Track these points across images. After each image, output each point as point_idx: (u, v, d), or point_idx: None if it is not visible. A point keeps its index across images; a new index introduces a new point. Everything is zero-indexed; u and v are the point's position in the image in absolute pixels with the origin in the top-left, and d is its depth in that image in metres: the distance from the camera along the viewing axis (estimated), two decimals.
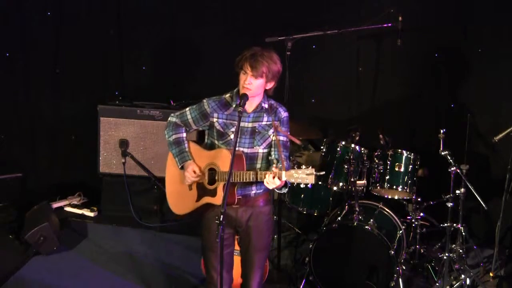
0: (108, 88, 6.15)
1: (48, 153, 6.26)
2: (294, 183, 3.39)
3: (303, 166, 3.35)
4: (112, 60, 6.11)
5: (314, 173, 3.31)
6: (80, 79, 6.13)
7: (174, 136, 3.75)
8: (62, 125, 6.20)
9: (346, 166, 4.85)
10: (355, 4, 5.59)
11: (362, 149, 4.94)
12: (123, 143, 5.63)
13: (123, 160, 5.61)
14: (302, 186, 3.32)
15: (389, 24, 5.02)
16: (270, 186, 3.42)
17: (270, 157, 3.69)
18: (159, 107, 5.68)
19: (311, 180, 3.32)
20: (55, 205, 5.83)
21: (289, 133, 3.71)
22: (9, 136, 6.23)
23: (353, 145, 4.92)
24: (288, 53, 4.76)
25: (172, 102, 5.76)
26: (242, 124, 3.59)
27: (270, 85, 3.61)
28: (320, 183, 5.01)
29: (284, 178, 3.36)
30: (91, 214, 5.80)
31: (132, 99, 5.81)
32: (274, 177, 3.37)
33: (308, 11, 5.64)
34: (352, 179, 4.80)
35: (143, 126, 5.64)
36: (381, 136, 4.98)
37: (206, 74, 5.88)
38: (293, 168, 3.45)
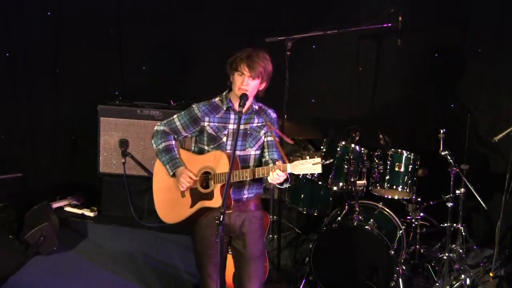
0: (108, 88, 6.15)
1: (48, 153, 6.27)
2: (300, 175, 3.35)
3: (308, 157, 3.31)
4: (112, 60, 6.11)
5: (321, 161, 3.27)
6: (80, 79, 6.14)
7: (163, 144, 3.67)
8: (62, 125, 6.22)
9: (346, 166, 4.84)
10: (355, 4, 5.59)
11: (362, 149, 4.94)
12: (123, 143, 5.63)
13: (123, 160, 5.61)
14: (308, 176, 3.29)
15: (389, 24, 5.01)
16: (274, 181, 3.39)
17: (263, 159, 3.66)
18: (159, 107, 5.69)
19: (318, 169, 3.27)
20: (55, 205, 5.83)
21: (281, 132, 3.70)
22: (9, 136, 6.24)
23: (353, 145, 4.92)
24: (288, 53, 4.76)
25: (172, 102, 5.76)
26: (234, 126, 3.58)
27: (263, 86, 3.60)
28: (320, 183, 5.01)
29: (289, 170, 3.33)
30: (91, 214, 5.80)
31: (132, 99, 5.82)
32: (279, 170, 3.34)
33: (308, 11, 5.64)
34: (352, 179, 4.80)
35: (143, 126, 5.64)
36: (381, 136, 4.98)
37: (206, 74, 5.88)
38: (297, 159, 3.40)
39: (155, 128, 3.73)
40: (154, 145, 3.70)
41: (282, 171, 3.35)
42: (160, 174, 3.74)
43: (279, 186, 3.54)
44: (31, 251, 5.03)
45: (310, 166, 3.28)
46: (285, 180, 3.47)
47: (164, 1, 5.96)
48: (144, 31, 6.00)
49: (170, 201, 3.72)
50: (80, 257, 5.11)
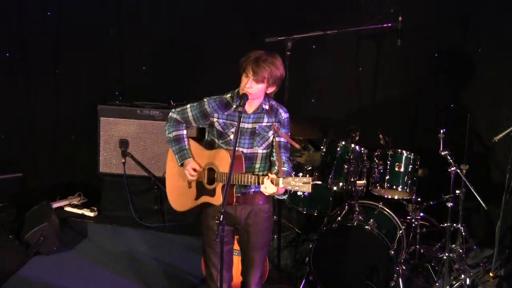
0: (108, 88, 6.15)
1: (48, 153, 6.27)
2: (291, 191, 3.41)
3: (301, 174, 3.36)
4: (112, 60, 6.11)
5: (311, 182, 3.32)
6: (80, 79, 6.14)
7: (174, 133, 3.75)
8: (62, 125, 6.21)
9: (346, 166, 4.84)
10: (355, 4, 5.59)
11: (362, 149, 4.94)
12: (123, 143, 5.63)
13: (123, 160, 5.61)
14: (299, 193, 3.39)
15: (389, 24, 5.02)
16: (268, 191, 3.42)
17: (272, 158, 3.69)
18: (159, 107, 5.69)
19: (307, 189, 3.33)
20: (55, 205, 5.83)
21: (289, 135, 3.71)
22: (9, 136, 6.24)
23: (353, 145, 4.92)
24: (288, 53, 4.76)
25: (172, 102, 5.76)
26: (242, 124, 3.59)
27: (271, 90, 3.61)
28: (320, 183, 5.01)
29: (281, 185, 3.38)
30: (91, 214, 5.80)
31: (132, 99, 5.81)
32: (271, 182, 3.38)
33: (308, 11, 5.64)
34: (352, 179, 4.79)
35: (143, 126, 5.64)
36: (381, 136, 4.98)
37: (206, 74, 5.88)
38: (290, 175, 3.46)
39: (170, 115, 3.79)
40: (166, 132, 3.78)
41: (275, 185, 3.39)
42: (171, 161, 3.83)
43: (278, 197, 3.59)
44: (31, 251, 5.03)
45: (300, 184, 3.34)
46: (283, 192, 3.51)
47: (164, 1, 5.95)
48: (144, 31, 6.00)
49: (178, 188, 3.81)
50: (80, 257, 5.12)
